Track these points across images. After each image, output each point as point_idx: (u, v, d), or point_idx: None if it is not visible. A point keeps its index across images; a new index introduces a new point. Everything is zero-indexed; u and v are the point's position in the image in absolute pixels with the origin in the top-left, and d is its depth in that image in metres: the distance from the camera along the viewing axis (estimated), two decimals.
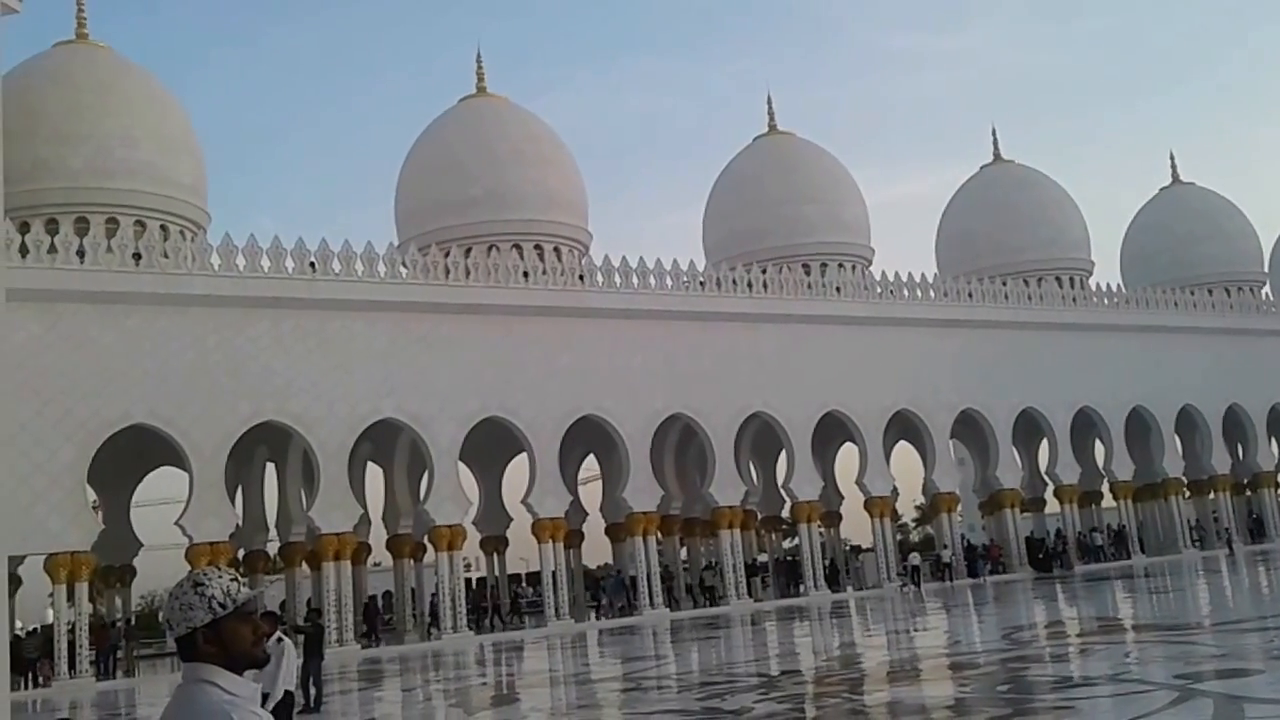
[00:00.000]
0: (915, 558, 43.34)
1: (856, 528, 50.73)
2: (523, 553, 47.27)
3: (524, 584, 52.96)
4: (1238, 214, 61.59)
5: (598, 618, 39.78)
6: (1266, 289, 60.25)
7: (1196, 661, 14.48)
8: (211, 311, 31.41)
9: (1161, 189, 63.48)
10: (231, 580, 3.04)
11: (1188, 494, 51.49)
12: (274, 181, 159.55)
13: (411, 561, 40.96)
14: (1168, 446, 48.77)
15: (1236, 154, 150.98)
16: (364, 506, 35.91)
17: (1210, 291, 53.58)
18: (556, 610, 35.46)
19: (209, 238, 36.12)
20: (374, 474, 39.88)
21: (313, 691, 17.97)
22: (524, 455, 36.62)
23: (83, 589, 29.80)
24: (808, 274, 43.40)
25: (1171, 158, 64.68)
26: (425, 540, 37.21)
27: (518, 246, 41.40)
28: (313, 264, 33.18)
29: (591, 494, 45.72)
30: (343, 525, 32.63)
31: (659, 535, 40.05)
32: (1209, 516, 52.91)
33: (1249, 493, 53.59)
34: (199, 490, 30.37)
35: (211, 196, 40.37)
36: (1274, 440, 53.09)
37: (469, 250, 38.24)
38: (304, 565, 38.00)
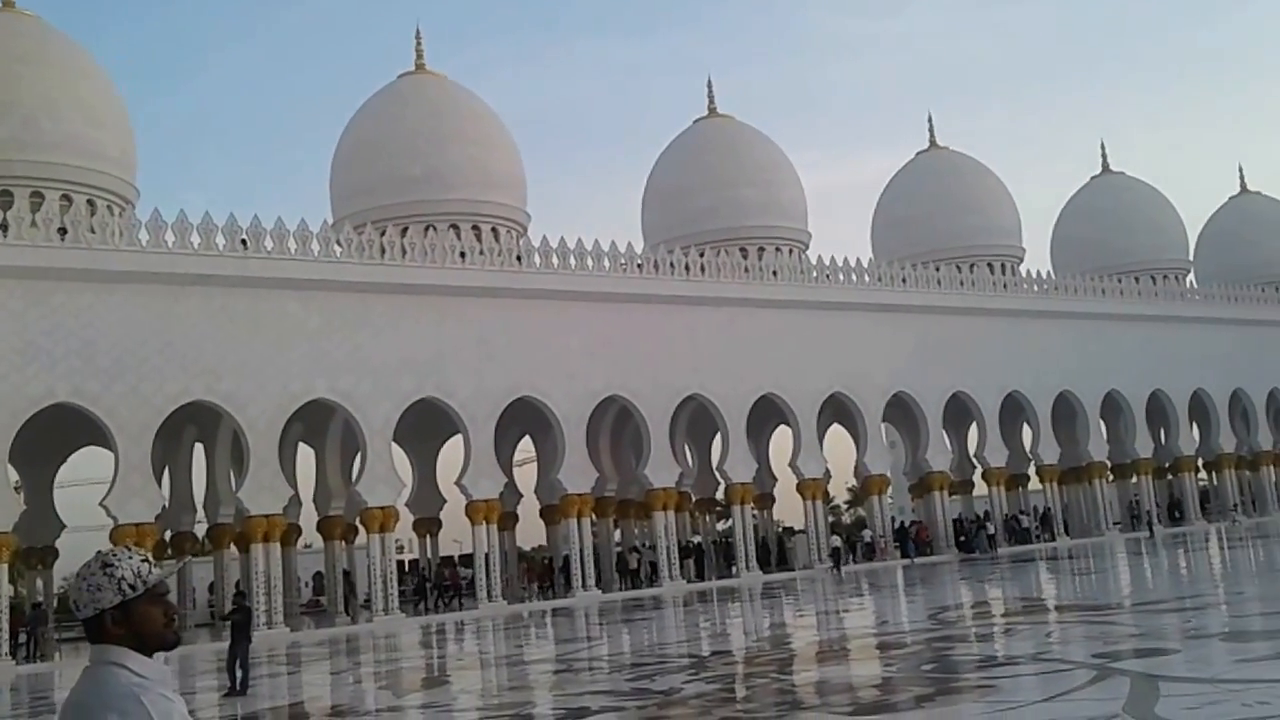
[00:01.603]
0: (836, 540, 43.87)
1: (790, 509, 51.31)
2: (456, 534, 47.09)
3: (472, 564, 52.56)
4: (1165, 203, 62.99)
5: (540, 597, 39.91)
6: (1191, 277, 61.73)
7: (1115, 641, 14.85)
8: (139, 288, 30.78)
9: (1092, 177, 64.72)
10: (142, 561, 2.99)
11: (1111, 477, 52.74)
12: (206, 157, 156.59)
13: (343, 543, 40.61)
14: (1093, 431, 49.85)
15: (1165, 144, 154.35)
16: (294, 488, 35.51)
17: (1137, 279, 54.77)
18: (489, 593, 35.41)
19: (137, 213, 35.40)
20: (305, 455, 39.43)
21: (239, 674, 17.77)
22: (459, 437, 36.45)
23: (2, 570, 29.14)
24: (745, 257, 43.66)
25: (1102, 147, 66.08)
26: (357, 522, 36.92)
27: (455, 226, 41.10)
28: (244, 241, 32.64)
29: (527, 475, 45.66)
30: (272, 507, 32.23)
31: (593, 517, 40.13)
32: (1131, 499, 54.28)
33: (1170, 476, 55.06)
34: (124, 471, 29.80)
35: (141, 171, 39.57)
36: (1194, 425, 54.52)
37: (405, 229, 37.90)
38: (232, 547, 37.51)
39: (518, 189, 45.05)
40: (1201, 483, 57.91)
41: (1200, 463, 55.65)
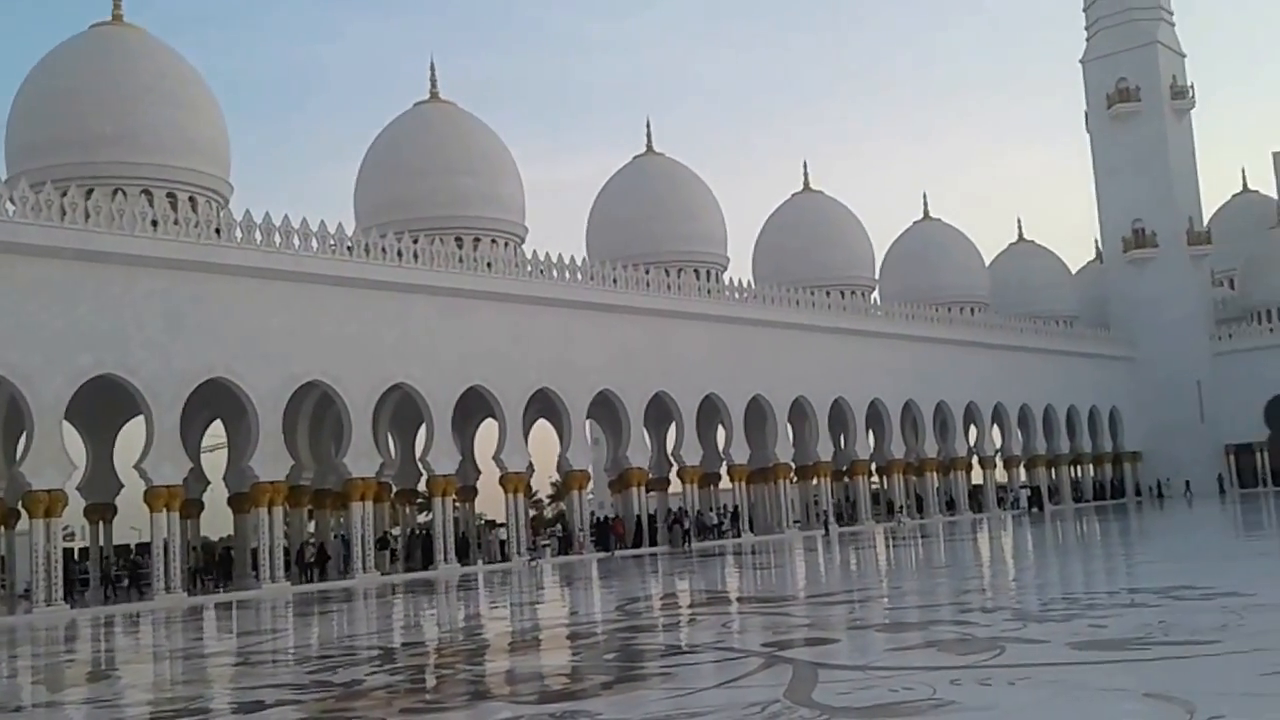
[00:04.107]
0: (502, 533, 44.44)
1: (492, 502, 51.38)
2: (135, 521, 44.08)
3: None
4: (856, 224, 67.68)
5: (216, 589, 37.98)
6: (875, 294, 66.68)
7: (785, 631, 15.75)
8: None
9: (793, 194, 68.62)
10: None
11: (795, 479, 56.18)
12: None
13: (1, 528, 37.19)
14: (780, 434, 52.89)
15: (860, 168, 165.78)
16: None
17: (828, 293, 58.55)
18: (168, 584, 33.31)
19: None
20: None
21: None
22: (142, 417, 34.12)
23: None
24: (460, 247, 43.21)
25: (804, 166, 70.19)
26: (19, 505, 33.87)
27: (148, 192, 38.44)
28: None
29: (216, 461, 43.41)
30: None
31: (287, 506, 38.65)
32: (811, 499, 58.07)
33: (846, 479, 59.26)
34: None
35: None
36: (870, 432, 58.92)
37: (90, 192, 34.98)
38: None
39: (220, 157, 42.63)
40: (874, 486, 62.78)
41: (873, 467, 60.33)
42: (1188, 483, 74.58)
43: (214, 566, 41.08)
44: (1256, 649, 11.32)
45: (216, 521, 46.79)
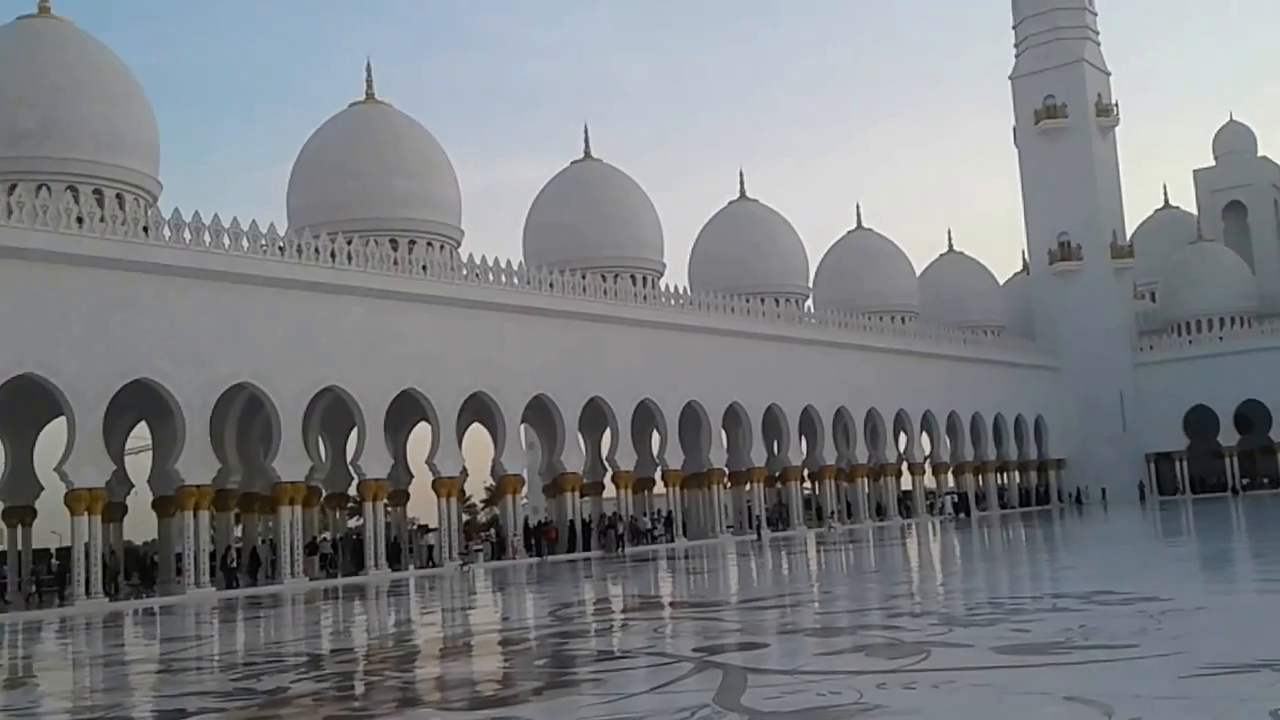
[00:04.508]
0: (431, 538, 44.19)
1: (425, 507, 51.00)
2: (55, 525, 43.05)
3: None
4: (791, 232, 68.29)
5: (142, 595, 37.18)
6: (809, 302, 67.34)
7: (716, 636, 15.81)
8: None
9: (730, 202, 69.04)
10: None
11: (728, 484, 56.47)
12: None
13: None
14: (714, 440, 53.14)
15: (796, 177, 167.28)
16: None
17: (762, 300, 59.02)
18: (88, 588, 32.54)
19: None
20: None
21: None
22: (64, 418, 33.33)
23: None
24: (395, 249, 42.84)
25: (741, 175, 70.65)
26: None
27: (73, 189, 37.63)
28: None
29: (141, 464, 42.57)
30: None
31: (213, 510, 37.98)
32: (744, 504, 58.44)
33: (779, 485, 59.72)
34: None
35: None
36: (803, 438, 59.44)
37: (13, 187, 34.12)
38: None
39: (149, 154, 41.83)
40: (806, 491, 63.34)
41: (806, 473, 60.85)
42: (1104, 490, 76.69)
43: (138, 571, 40.24)
44: (1174, 652, 11.60)
45: (140, 525, 45.88)
